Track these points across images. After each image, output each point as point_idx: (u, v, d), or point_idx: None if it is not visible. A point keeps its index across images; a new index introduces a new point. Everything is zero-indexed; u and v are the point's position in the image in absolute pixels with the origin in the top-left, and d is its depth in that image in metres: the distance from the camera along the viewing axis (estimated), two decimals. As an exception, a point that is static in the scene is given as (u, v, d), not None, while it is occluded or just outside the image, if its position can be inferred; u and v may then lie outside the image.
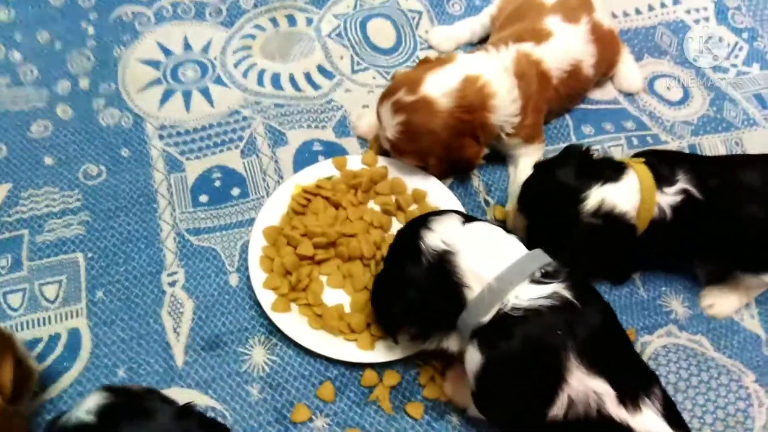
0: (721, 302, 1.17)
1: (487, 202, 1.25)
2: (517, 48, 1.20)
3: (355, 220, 1.17)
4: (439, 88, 1.12)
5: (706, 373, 1.10)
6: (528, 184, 1.09)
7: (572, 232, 1.02)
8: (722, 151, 1.36)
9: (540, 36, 1.23)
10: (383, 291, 0.98)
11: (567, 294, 0.83)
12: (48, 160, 1.24)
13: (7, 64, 1.36)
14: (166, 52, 1.40)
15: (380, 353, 1.04)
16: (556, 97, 1.28)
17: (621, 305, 1.16)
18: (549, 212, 1.05)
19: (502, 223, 1.20)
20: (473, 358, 0.85)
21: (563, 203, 1.02)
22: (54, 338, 1.06)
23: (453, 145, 1.15)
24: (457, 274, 0.87)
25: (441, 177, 1.22)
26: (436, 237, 0.89)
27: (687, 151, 1.34)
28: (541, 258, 0.88)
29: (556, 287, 0.84)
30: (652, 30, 1.56)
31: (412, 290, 0.90)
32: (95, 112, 1.31)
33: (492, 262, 0.86)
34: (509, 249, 0.89)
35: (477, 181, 1.27)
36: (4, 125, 1.27)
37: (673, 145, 1.35)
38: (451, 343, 0.93)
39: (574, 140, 1.34)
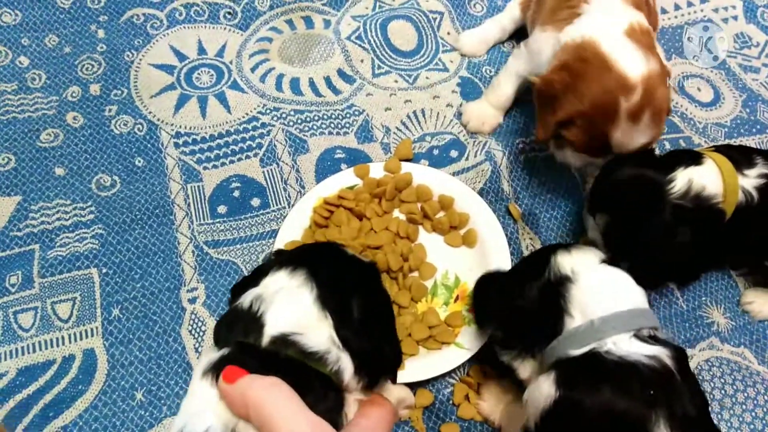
0: (763, 302, 1.12)
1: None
2: None
3: (380, 231, 1.12)
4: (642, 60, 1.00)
5: (752, 389, 1.04)
6: (600, 184, 1.03)
7: (659, 222, 0.95)
8: (757, 154, 1.31)
9: None
10: (496, 286, 0.94)
11: (669, 363, 0.75)
12: (59, 171, 1.18)
13: (13, 69, 1.30)
14: (180, 56, 1.35)
15: (411, 372, 0.99)
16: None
17: (660, 317, 1.11)
18: (632, 205, 0.98)
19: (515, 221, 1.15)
20: (544, 391, 0.77)
21: (647, 192, 0.96)
22: (68, 360, 1.01)
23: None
24: (566, 300, 0.81)
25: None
26: (568, 261, 0.85)
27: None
28: (653, 319, 0.81)
29: (661, 352, 0.76)
30: (679, 30, 1.51)
31: (521, 299, 0.86)
32: (107, 119, 1.25)
33: (604, 302, 0.80)
34: (628, 298, 0.82)
35: (507, 187, 1.21)
36: (11, 134, 1.22)
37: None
38: (524, 369, 0.86)
39: (605, 144, 1.29)
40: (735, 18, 1.54)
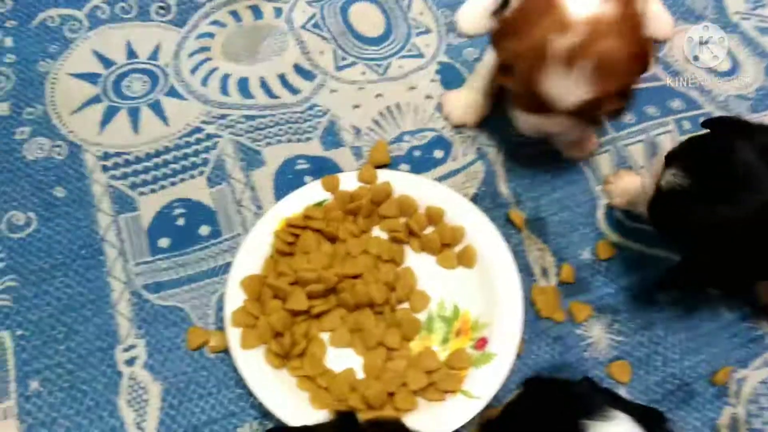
0: None
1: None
2: None
3: (357, 256, 0.94)
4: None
5: (821, 411, 0.87)
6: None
7: None
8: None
9: None
10: None
11: None
12: (-40, 211, 0.98)
13: None
14: (106, 62, 1.14)
15: (410, 432, 0.79)
16: None
17: (706, 333, 0.94)
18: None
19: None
20: None
21: None
22: (-26, 453, 0.81)
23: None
24: None
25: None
26: None
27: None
28: None
29: None
30: (682, -8, 1.33)
31: None
32: (18, 143, 1.05)
33: None
34: None
35: (505, 190, 1.03)
36: None
37: (731, 125, 1.12)
38: None
39: (614, 133, 1.11)
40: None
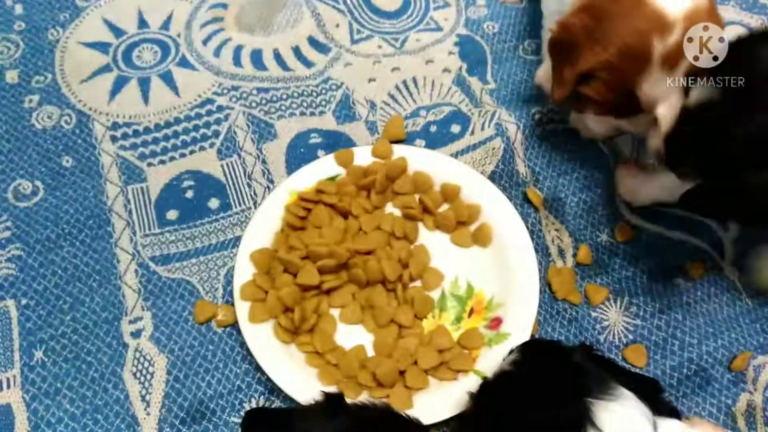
0: None
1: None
2: None
3: (370, 232, 0.91)
4: None
5: None
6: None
7: None
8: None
9: None
10: None
11: None
12: (-33, 178, 0.96)
13: None
14: (116, 31, 1.12)
15: (421, 412, 0.77)
16: None
17: (725, 318, 0.91)
18: None
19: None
20: None
21: None
22: (-23, 421, 0.79)
23: None
24: None
25: None
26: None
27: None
28: None
29: None
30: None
31: None
32: (27, 112, 1.03)
33: None
34: None
35: (523, 168, 1.00)
36: None
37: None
38: None
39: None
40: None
